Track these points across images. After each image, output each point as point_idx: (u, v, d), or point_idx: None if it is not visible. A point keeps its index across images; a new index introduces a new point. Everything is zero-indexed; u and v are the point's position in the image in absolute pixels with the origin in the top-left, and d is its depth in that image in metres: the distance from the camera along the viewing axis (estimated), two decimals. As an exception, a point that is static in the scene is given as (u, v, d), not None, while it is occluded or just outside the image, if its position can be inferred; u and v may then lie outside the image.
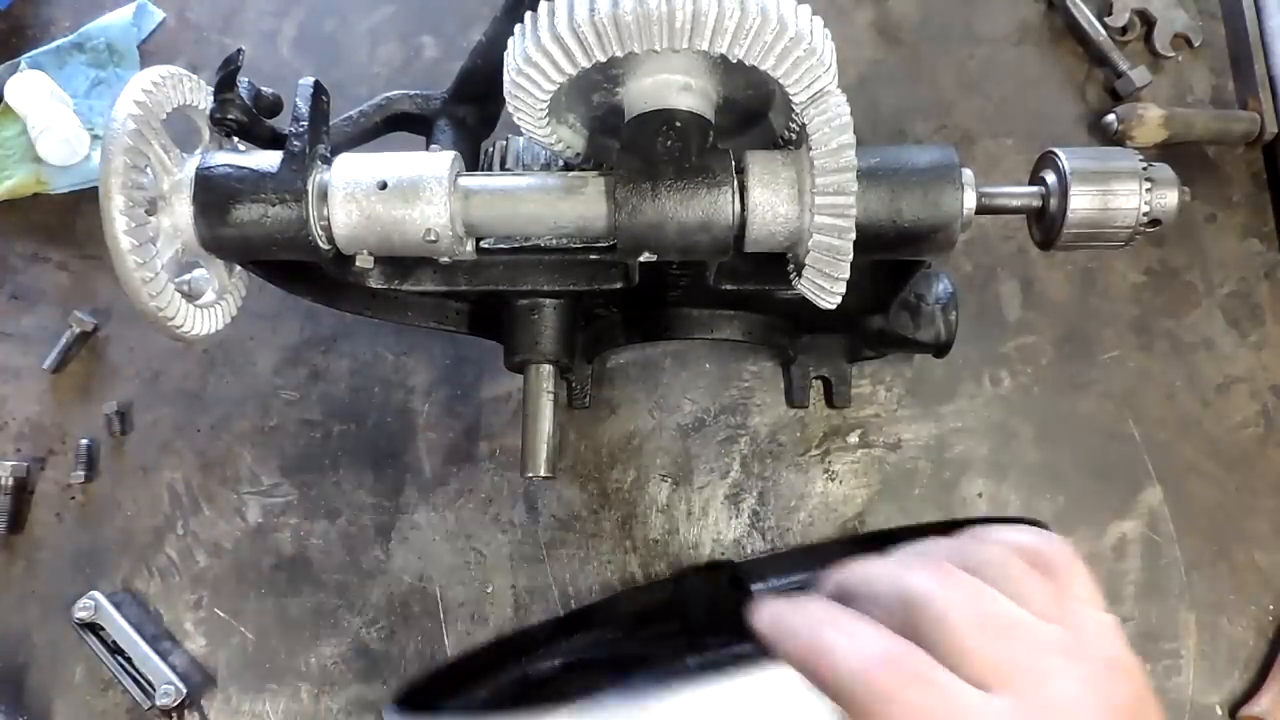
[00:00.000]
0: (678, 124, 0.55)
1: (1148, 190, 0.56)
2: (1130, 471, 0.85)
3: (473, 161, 0.68)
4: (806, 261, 0.54)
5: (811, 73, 0.52)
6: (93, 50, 0.94)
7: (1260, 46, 0.94)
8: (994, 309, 0.88)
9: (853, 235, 0.53)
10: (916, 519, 0.84)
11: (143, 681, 0.77)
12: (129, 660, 0.78)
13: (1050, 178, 0.58)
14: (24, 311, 0.89)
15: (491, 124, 0.70)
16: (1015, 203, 0.59)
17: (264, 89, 0.62)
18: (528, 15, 0.52)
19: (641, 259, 0.57)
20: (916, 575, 0.39)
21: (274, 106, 0.62)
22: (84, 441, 0.85)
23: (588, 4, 0.50)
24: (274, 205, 0.56)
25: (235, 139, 0.63)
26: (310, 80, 0.58)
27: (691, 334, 0.76)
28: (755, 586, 0.79)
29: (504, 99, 0.56)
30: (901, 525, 0.82)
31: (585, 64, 0.52)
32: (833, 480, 0.85)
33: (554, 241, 0.62)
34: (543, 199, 0.57)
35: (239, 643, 0.82)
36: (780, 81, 0.53)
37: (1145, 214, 0.57)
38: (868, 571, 0.42)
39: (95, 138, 0.91)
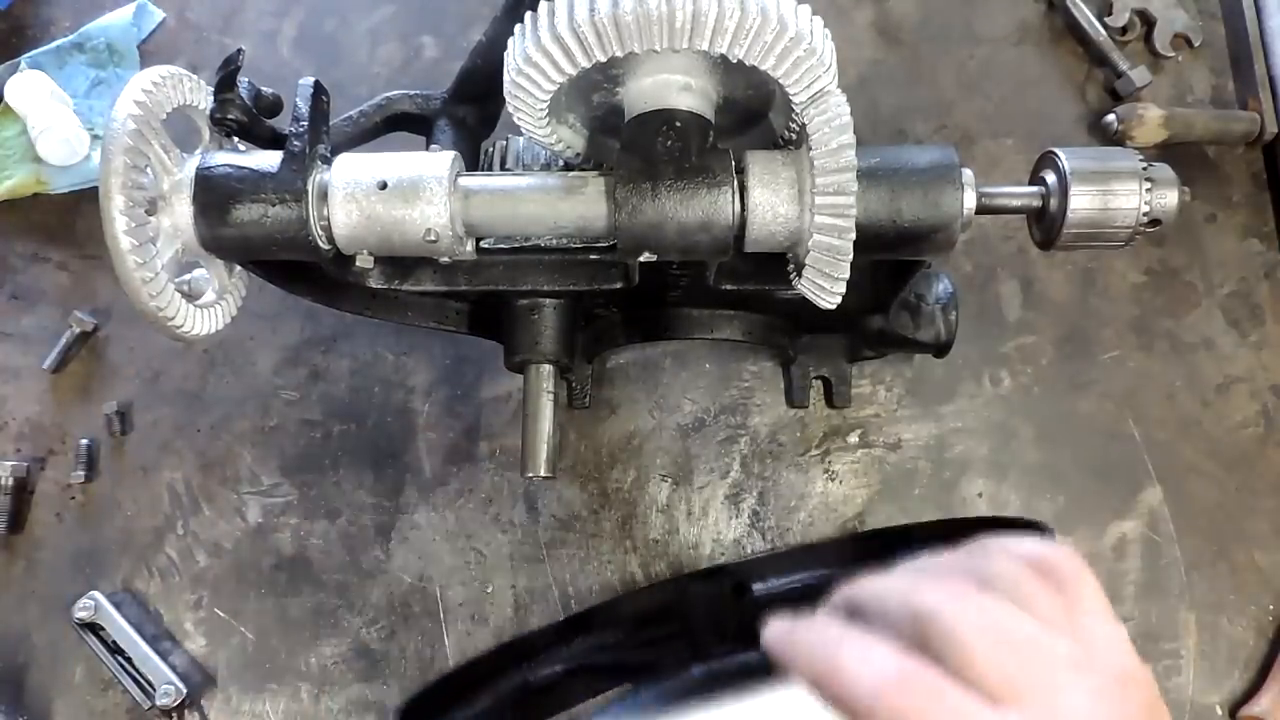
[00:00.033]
0: (678, 124, 0.55)
1: (1148, 190, 0.56)
2: (1130, 471, 0.85)
3: (473, 161, 0.68)
4: (806, 261, 0.54)
5: (811, 73, 0.52)
6: (93, 50, 0.94)
7: (1260, 46, 0.94)
8: (994, 309, 0.88)
9: (853, 235, 0.53)
10: (916, 519, 0.83)
11: (143, 681, 0.77)
12: (129, 660, 0.78)
13: (1050, 178, 0.58)
14: (24, 311, 0.89)
15: (491, 124, 0.70)
16: (1015, 203, 0.59)
17: (264, 89, 0.62)
18: (528, 15, 0.52)
19: (641, 259, 0.57)
20: (927, 592, 0.39)
21: (274, 106, 0.62)
22: (84, 441, 0.85)
23: (588, 4, 0.50)
24: (274, 205, 0.56)
25: (235, 139, 0.63)
26: (310, 80, 0.58)
27: (691, 334, 0.76)
28: (756, 586, 0.78)
29: (504, 99, 0.56)
30: (899, 525, 0.82)
31: (585, 64, 0.52)
32: (833, 480, 0.85)
33: (554, 241, 0.62)
34: (543, 199, 0.57)
35: (239, 643, 0.82)
36: (780, 81, 0.53)
37: (1145, 214, 0.57)
38: (877, 588, 0.42)
39: (95, 138, 0.91)
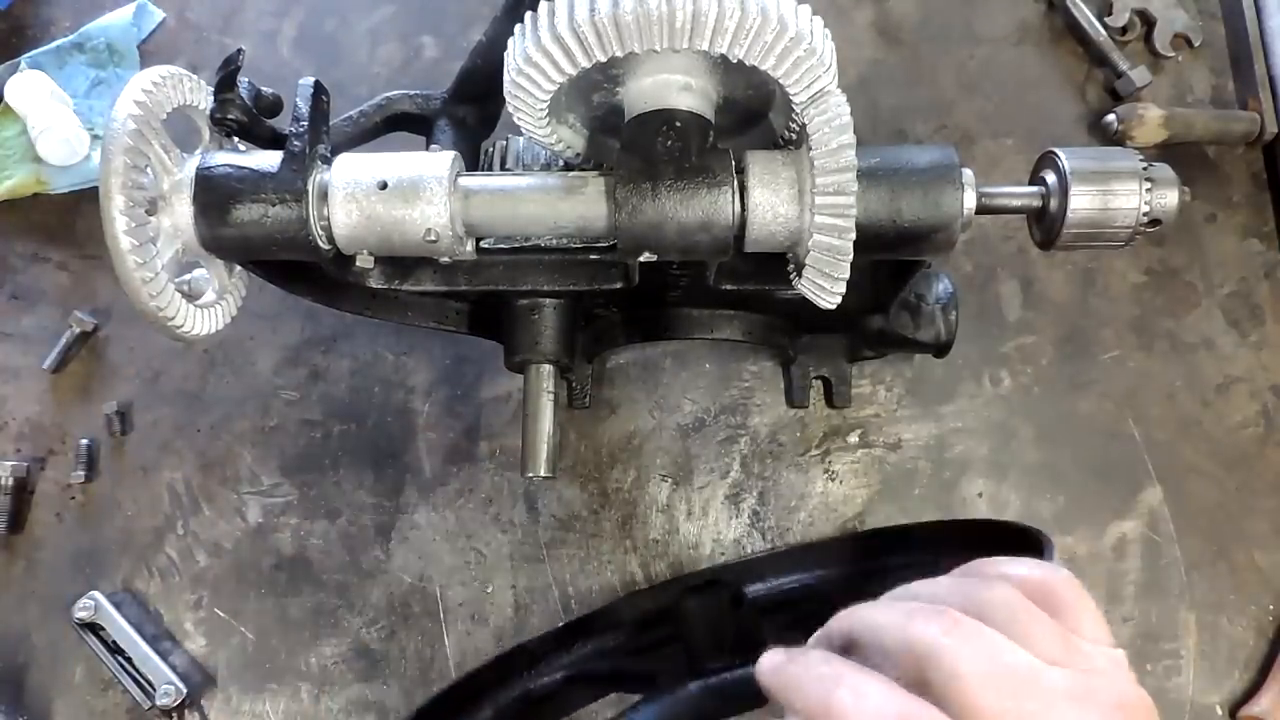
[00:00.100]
0: (678, 124, 0.55)
1: (1148, 190, 0.56)
2: (1130, 471, 0.85)
3: (473, 161, 0.68)
4: (806, 261, 0.54)
5: (811, 73, 0.52)
6: (93, 50, 0.94)
7: (1260, 46, 0.94)
8: (994, 309, 0.88)
9: (853, 235, 0.53)
10: (916, 519, 0.83)
11: (143, 681, 0.77)
12: (129, 660, 0.78)
13: (1050, 178, 0.58)
14: (24, 311, 0.89)
15: (491, 124, 0.70)
16: (1015, 203, 0.59)
17: (264, 89, 0.62)
18: (528, 15, 0.52)
19: (641, 259, 0.57)
20: (923, 626, 0.39)
21: (274, 106, 0.62)
22: (84, 441, 0.85)
23: (588, 4, 0.50)
24: (274, 205, 0.56)
25: (235, 139, 0.63)
26: (310, 80, 0.58)
27: (691, 334, 0.76)
28: (755, 587, 0.78)
29: (504, 99, 0.56)
30: (896, 526, 0.82)
31: (585, 64, 0.52)
32: (833, 480, 0.85)
33: (554, 241, 0.62)
34: (543, 199, 0.57)
35: (239, 643, 0.82)
36: (780, 81, 0.53)
37: (1145, 214, 0.57)
38: (873, 619, 0.42)
39: (95, 138, 0.91)
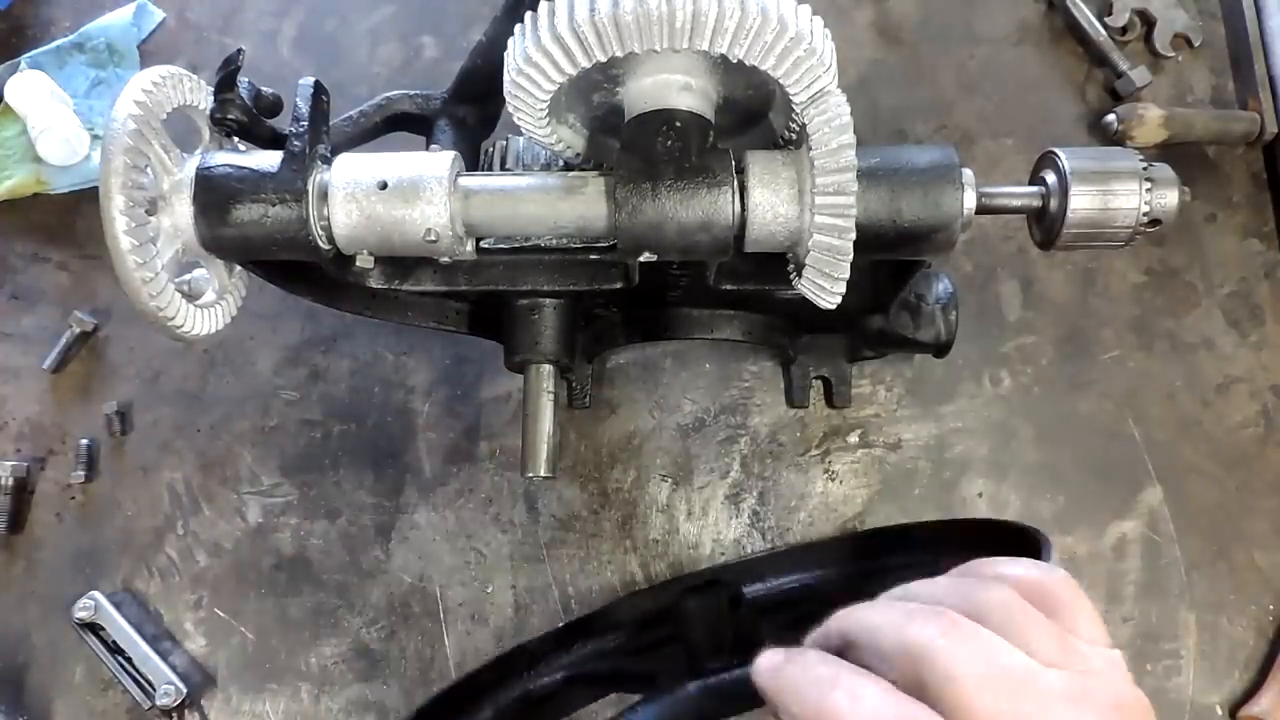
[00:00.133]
0: (678, 124, 0.55)
1: (1148, 190, 0.56)
2: (1130, 471, 0.85)
3: (473, 161, 0.68)
4: (807, 261, 0.54)
5: (811, 73, 0.52)
6: (93, 50, 0.94)
7: (1260, 46, 0.94)
8: (994, 309, 0.88)
9: (853, 235, 0.53)
10: (916, 519, 0.83)
11: (143, 681, 0.77)
12: (129, 660, 0.78)
13: (1050, 178, 0.58)
14: (24, 311, 0.89)
15: (491, 124, 0.70)
16: (1015, 203, 0.59)
17: (264, 89, 0.62)
18: (528, 15, 0.52)
19: (641, 259, 0.57)
20: (920, 627, 0.39)
21: (274, 106, 0.62)
22: (84, 441, 0.85)
23: (588, 4, 0.50)
24: (274, 205, 0.56)
25: (235, 139, 0.63)
26: (310, 80, 0.58)
27: (691, 334, 0.76)
28: (754, 588, 0.78)
29: (504, 99, 0.56)
30: (895, 526, 0.82)
31: (585, 64, 0.52)
32: (833, 480, 0.85)
33: (554, 241, 0.62)
34: (543, 199, 0.57)
35: (239, 643, 0.82)
36: (780, 81, 0.53)
37: (1145, 214, 0.57)
38: (869, 620, 0.42)
39: (95, 138, 0.91)
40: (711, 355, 0.87)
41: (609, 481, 0.85)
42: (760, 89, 0.58)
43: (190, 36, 0.96)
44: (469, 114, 0.68)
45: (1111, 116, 0.90)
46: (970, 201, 0.56)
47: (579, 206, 0.57)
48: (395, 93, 0.69)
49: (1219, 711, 0.80)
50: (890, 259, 0.62)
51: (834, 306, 0.56)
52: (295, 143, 0.57)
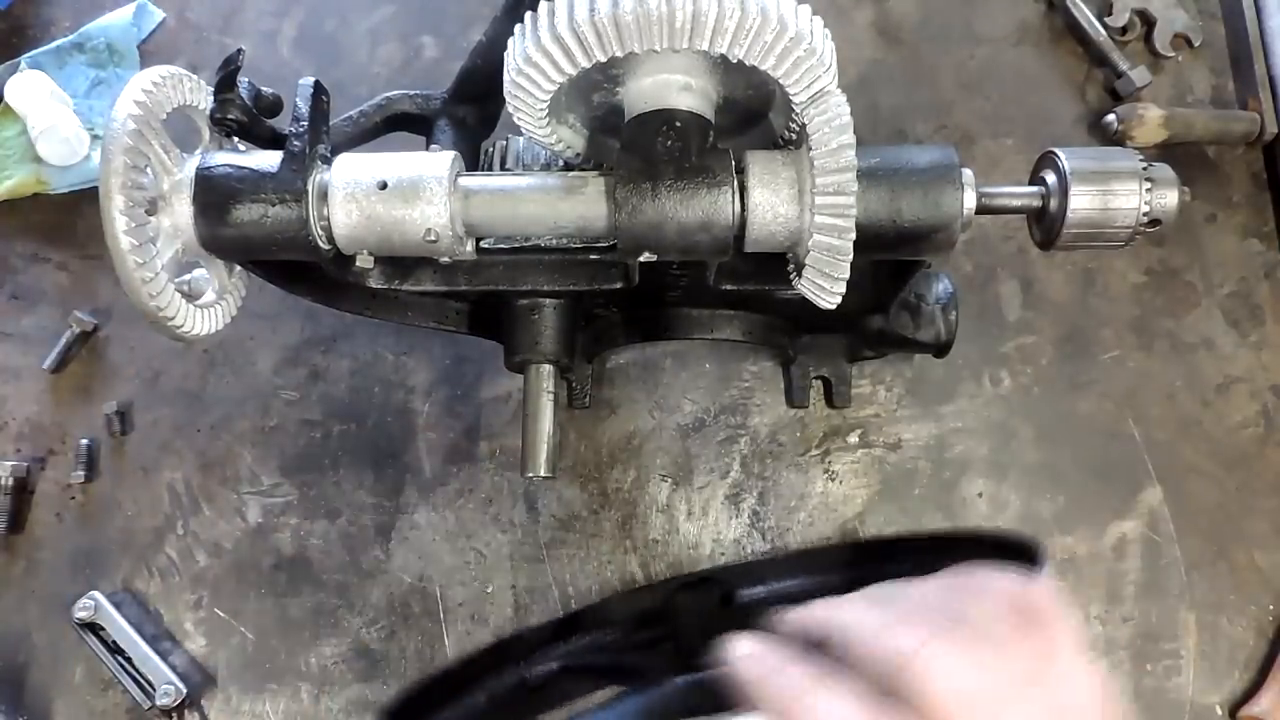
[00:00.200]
0: (678, 124, 0.55)
1: (1148, 190, 0.56)
2: (1130, 471, 0.85)
3: (473, 161, 0.68)
4: (806, 261, 0.54)
5: (811, 73, 0.52)
6: (93, 50, 0.94)
7: (1260, 46, 0.94)
8: (994, 309, 0.88)
9: (853, 235, 0.53)
10: (916, 519, 0.84)
11: (143, 681, 0.77)
12: (129, 660, 0.78)
13: (1050, 178, 0.58)
14: (24, 311, 0.89)
15: (491, 124, 0.70)
16: (1015, 203, 0.59)
17: (264, 89, 0.62)
18: (528, 15, 0.52)
19: (641, 259, 0.57)
20: (901, 637, 0.39)
21: (274, 106, 0.62)
22: (84, 441, 0.85)
23: (588, 4, 0.50)
24: (274, 205, 0.56)
25: (235, 139, 0.63)
26: (310, 80, 0.58)
27: (691, 334, 0.76)
28: (750, 591, 0.79)
29: (504, 99, 0.56)
30: (893, 535, 0.82)
31: (585, 64, 0.52)
32: (833, 480, 0.85)
33: (554, 241, 0.62)
34: (543, 199, 0.57)
35: (239, 643, 0.82)
36: (780, 81, 0.53)
37: (1145, 214, 0.57)
38: (850, 619, 0.42)
39: (95, 138, 0.91)
40: (711, 355, 0.87)
41: (609, 481, 0.85)
42: (760, 89, 0.58)
43: (190, 36, 0.96)
44: (469, 114, 0.68)
45: (1111, 116, 0.90)
46: (970, 201, 0.56)
47: (579, 206, 0.57)
48: (395, 93, 0.69)
49: (1219, 711, 0.80)
50: (890, 259, 0.62)
51: (834, 306, 0.56)
52: (295, 143, 0.57)
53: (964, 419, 0.86)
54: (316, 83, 0.59)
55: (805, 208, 0.54)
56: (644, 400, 0.86)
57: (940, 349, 0.77)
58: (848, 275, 0.54)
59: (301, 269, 0.63)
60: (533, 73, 0.53)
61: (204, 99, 0.62)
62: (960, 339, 0.77)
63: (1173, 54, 0.95)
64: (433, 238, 0.56)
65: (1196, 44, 0.95)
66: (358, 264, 0.60)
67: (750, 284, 0.65)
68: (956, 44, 0.95)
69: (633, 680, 0.73)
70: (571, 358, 0.68)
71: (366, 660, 0.81)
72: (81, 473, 0.84)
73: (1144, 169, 0.57)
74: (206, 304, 0.62)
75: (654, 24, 0.49)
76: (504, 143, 0.68)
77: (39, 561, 0.83)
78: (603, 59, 0.51)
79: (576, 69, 0.52)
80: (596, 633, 0.78)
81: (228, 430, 0.86)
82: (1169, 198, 0.57)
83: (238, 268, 0.65)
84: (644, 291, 0.65)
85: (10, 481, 0.83)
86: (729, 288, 0.65)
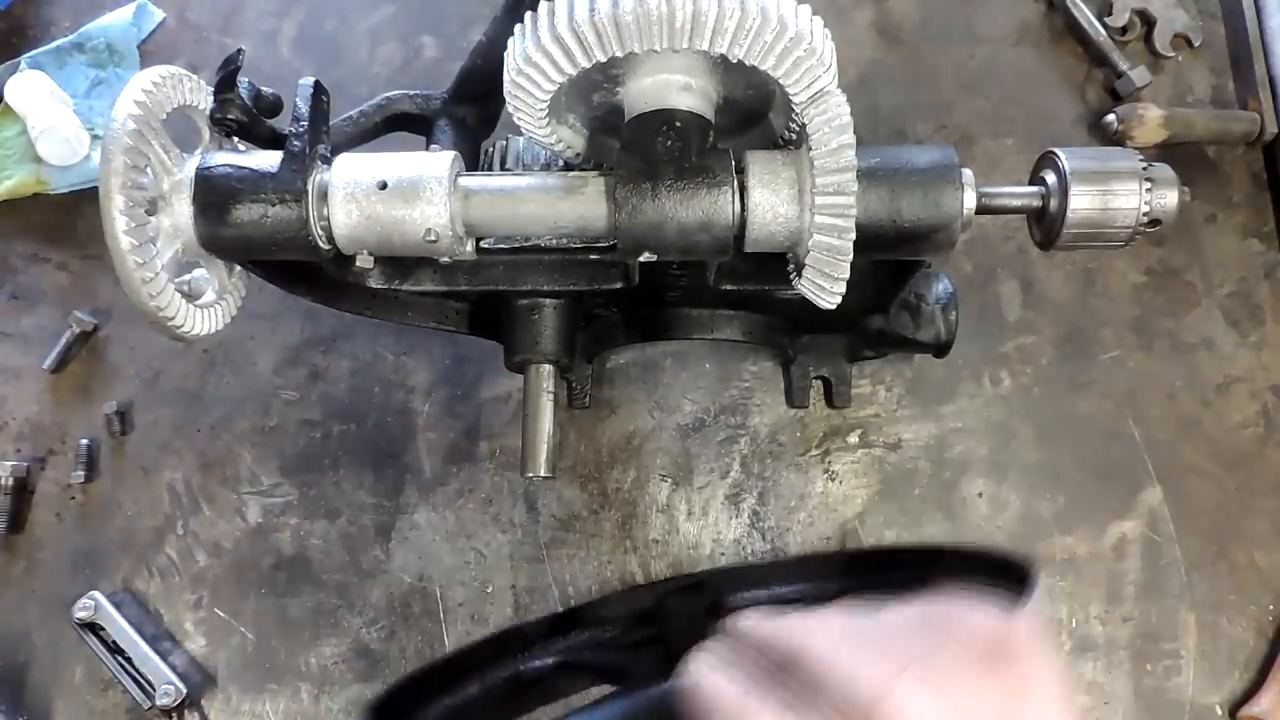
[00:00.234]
0: (678, 124, 0.55)
1: (1148, 190, 0.56)
2: (1130, 471, 0.85)
3: (473, 161, 0.68)
4: (806, 261, 0.54)
5: (811, 73, 0.52)
6: (93, 50, 0.94)
7: (1260, 46, 0.94)
8: (994, 309, 0.88)
9: (853, 235, 0.53)
10: (916, 519, 0.84)
11: (143, 681, 0.77)
12: (129, 660, 0.78)
13: (1050, 178, 0.58)
14: (24, 311, 0.89)
15: (491, 124, 0.70)
16: (1015, 203, 0.59)
17: (264, 89, 0.62)
18: (528, 15, 0.52)
19: (641, 259, 0.57)
20: (874, 672, 0.39)
21: (274, 106, 0.62)
22: (84, 441, 0.85)
23: (588, 4, 0.50)
24: (274, 205, 0.56)
25: (235, 139, 0.63)
26: (310, 80, 0.58)
27: (691, 334, 0.76)
28: (743, 596, 0.79)
29: (504, 99, 0.56)
30: (886, 546, 0.82)
31: (585, 64, 0.52)
32: (833, 480, 0.85)
33: (554, 241, 0.62)
34: (543, 199, 0.57)
35: (239, 643, 0.82)
36: (780, 81, 0.53)
37: (1145, 214, 0.57)
38: (825, 647, 0.41)
39: (95, 138, 0.91)
40: (711, 355, 0.87)
41: (609, 481, 0.85)
42: (760, 89, 0.58)
43: (190, 36, 0.96)
44: (469, 114, 0.68)
45: (1111, 116, 0.90)
46: (970, 201, 0.56)
47: (579, 206, 0.57)
48: (395, 93, 0.69)
49: (1219, 711, 0.80)
50: (890, 259, 0.62)
51: (834, 306, 0.56)
52: (295, 143, 0.57)
53: (964, 419, 0.86)
54: (316, 83, 0.59)
55: (805, 208, 0.54)
56: (644, 400, 0.86)
57: (940, 349, 0.77)
58: (848, 275, 0.54)
59: (301, 269, 0.63)
60: (533, 73, 0.53)
61: (204, 99, 0.62)
62: (960, 339, 0.77)
63: (1173, 54, 0.95)
64: (433, 238, 0.56)
65: (1196, 44, 0.95)
66: (358, 264, 0.60)
67: (750, 284, 0.65)
68: (956, 44, 0.95)
69: (623, 680, 0.74)
70: (571, 358, 0.68)
71: (366, 660, 0.81)
72: (81, 473, 0.84)
73: (1144, 169, 0.57)
74: (206, 304, 0.62)
75: (654, 24, 0.49)
76: (504, 143, 0.68)
77: (39, 561, 0.83)
78: (603, 59, 0.51)
79: (576, 69, 0.52)
80: (593, 629, 0.78)
81: (228, 430, 0.86)
82: (1169, 198, 0.57)
83: (238, 268, 0.65)
84: (644, 291, 0.65)
85: (10, 481, 0.83)
86: (729, 288, 0.65)
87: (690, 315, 0.76)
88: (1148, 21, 0.95)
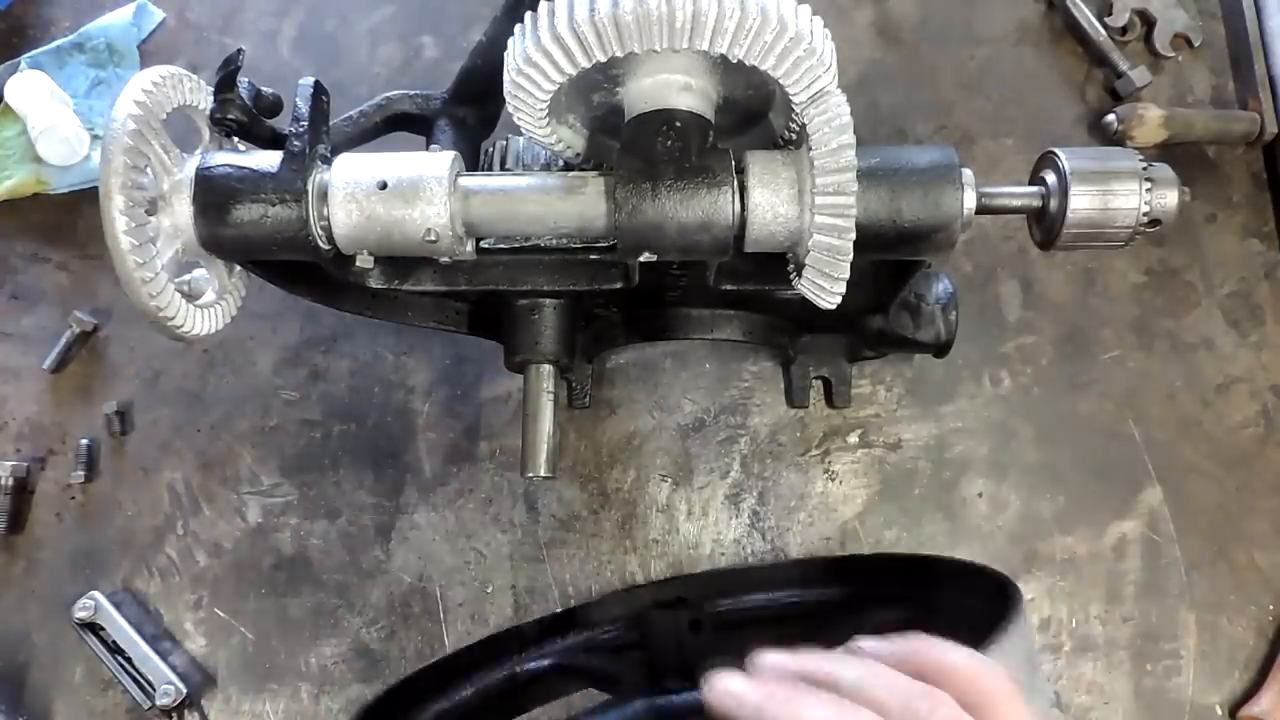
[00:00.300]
0: (678, 124, 0.55)
1: (1148, 190, 0.56)
2: (1130, 471, 0.85)
3: (473, 161, 0.68)
4: (806, 261, 0.54)
5: (811, 73, 0.52)
6: (93, 50, 0.94)
7: (1260, 46, 0.94)
8: (994, 309, 0.88)
9: (853, 235, 0.53)
10: (916, 519, 0.84)
11: (143, 681, 0.77)
12: (129, 660, 0.78)
13: (1050, 178, 0.58)
14: (24, 311, 0.89)
15: (491, 124, 0.70)
16: (1015, 203, 0.59)
17: (264, 89, 0.62)
18: (528, 15, 0.52)
19: (641, 259, 0.57)
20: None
21: (274, 106, 0.62)
22: (84, 441, 0.85)
23: (588, 4, 0.50)
24: (274, 205, 0.56)
25: (235, 139, 0.63)
26: (310, 80, 0.58)
27: (691, 334, 0.76)
28: (723, 602, 0.79)
29: (504, 99, 0.56)
30: (869, 554, 0.83)
31: (585, 64, 0.52)
32: (833, 480, 0.85)
33: (554, 241, 0.62)
34: (543, 199, 0.57)
35: (239, 643, 0.82)
36: (780, 81, 0.53)
37: (1145, 214, 0.57)
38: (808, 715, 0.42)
39: (95, 138, 0.91)
40: (711, 355, 0.87)
41: (609, 481, 0.85)
42: (760, 89, 0.58)
43: (190, 36, 0.96)
44: (469, 114, 0.68)
45: (1111, 116, 0.90)
46: (970, 201, 0.56)
47: (579, 206, 0.57)
48: (395, 93, 0.69)
49: (1219, 711, 0.80)
50: (890, 259, 0.62)
51: (834, 306, 0.56)
52: (295, 143, 0.57)
53: (964, 419, 0.86)
54: (316, 83, 0.59)
55: (805, 208, 0.54)
56: (644, 400, 0.86)
57: (940, 349, 0.77)
58: (848, 275, 0.54)
59: (301, 269, 0.63)
60: (533, 73, 0.53)
61: (204, 99, 0.62)
62: (960, 339, 0.77)
63: (1173, 54, 0.95)
64: (433, 238, 0.56)
65: (1196, 44, 0.95)
66: (358, 264, 0.60)
67: (750, 284, 0.65)
68: (956, 44, 0.95)
69: (613, 688, 0.74)
70: (571, 358, 0.68)
71: (366, 660, 0.81)
72: (81, 473, 0.84)
73: (1144, 169, 0.57)
74: (206, 304, 0.62)
75: (654, 24, 0.49)
76: (504, 143, 0.68)
77: (39, 561, 0.83)
78: (603, 59, 0.51)
79: (576, 69, 0.52)
80: (588, 632, 0.78)
81: (228, 430, 0.86)
82: (1169, 198, 0.57)
83: (238, 268, 0.65)
84: (644, 291, 0.65)
85: (10, 481, 0.83)
86: (729, 288, 0.65)
87: (690, 315, 0.76)
88: (1148, 21, 0.95)
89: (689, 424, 0.86)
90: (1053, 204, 0.58)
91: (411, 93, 0.69)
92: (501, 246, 0.63)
